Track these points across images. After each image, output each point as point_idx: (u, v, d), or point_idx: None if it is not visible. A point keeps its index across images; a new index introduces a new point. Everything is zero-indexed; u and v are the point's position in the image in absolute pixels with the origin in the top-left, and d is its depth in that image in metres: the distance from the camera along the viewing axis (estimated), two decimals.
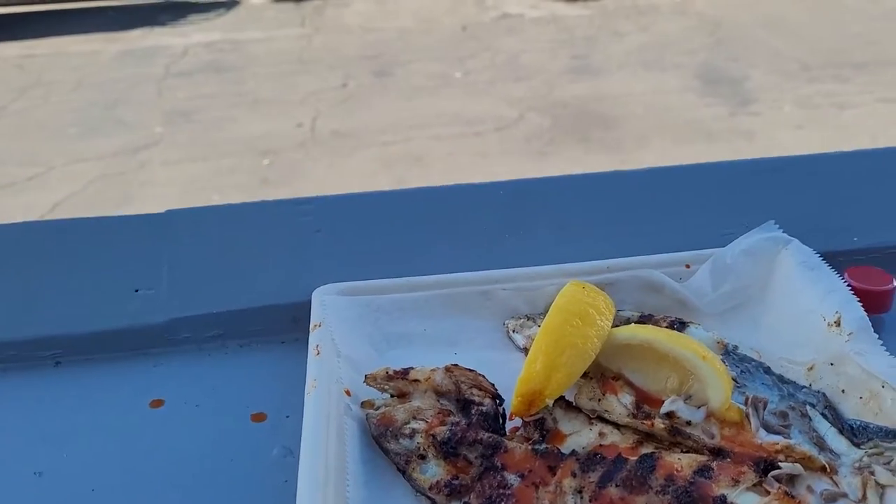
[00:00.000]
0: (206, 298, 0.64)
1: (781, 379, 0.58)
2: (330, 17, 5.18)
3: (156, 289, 0.65)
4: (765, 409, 0.54)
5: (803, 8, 5.38)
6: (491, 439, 0.51)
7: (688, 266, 0.66)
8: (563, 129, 3.71)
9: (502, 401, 0.56)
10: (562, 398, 0.55)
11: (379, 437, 0.53)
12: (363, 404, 0.55)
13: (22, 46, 4.70)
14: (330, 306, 0.62)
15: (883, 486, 0.50)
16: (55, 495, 0.52)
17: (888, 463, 0.50)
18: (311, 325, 0.60)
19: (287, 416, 0.57)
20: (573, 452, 0.50)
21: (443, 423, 0.52)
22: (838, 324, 0.57)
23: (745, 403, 0.54)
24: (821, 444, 0.53)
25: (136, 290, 0.65)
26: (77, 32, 4.83)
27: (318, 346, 0.57)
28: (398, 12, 5.29)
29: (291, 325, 0.63)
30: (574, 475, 0.48)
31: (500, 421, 0.55)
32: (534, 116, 3.91)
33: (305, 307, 0.63)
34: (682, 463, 0.49)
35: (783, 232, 0.65)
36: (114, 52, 4.56)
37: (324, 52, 4.61)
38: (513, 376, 0.55)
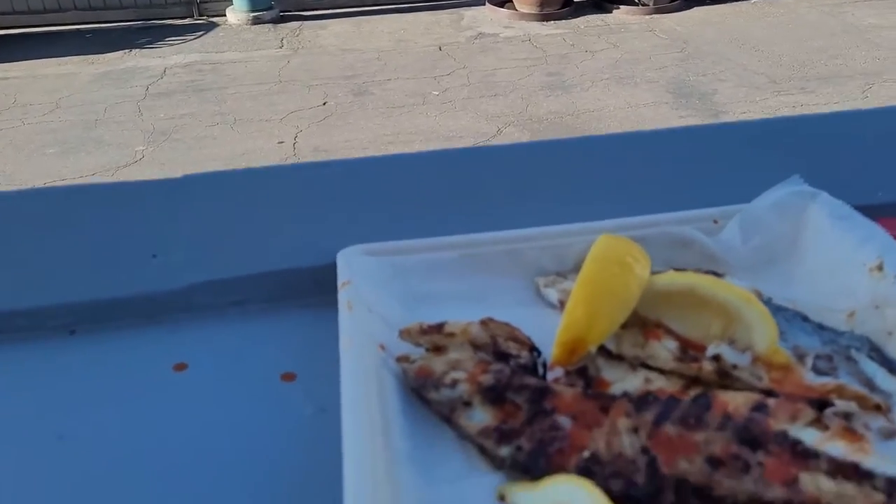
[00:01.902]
0: (226, 263, 0.62)
1: (821, 326, 0.57)
2: (307, 38, 5.19)
3: (173, 254, 0.63)
4: (813, 357, 0.53)
5: (767, 25, 5.52)
6: (537, 383, 0.49)
7: (716, 222, 0.65)
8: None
9: (540, 353, 0.54)
10: (603, 347, 0.54)
11: (419, 389, 0.51)
12: (398, 359, 0.53)
13: None
14: (356, 266, 0.60)
15: None
16: (79, 458, 0.49)
17: None
18: (340, 283, 0.58)
19: (317, 376, 0.55)
20: (625, 393, 0.49)
21: (485, 372, 0.50)
22: (881, 268, 0.56)
23: (791, 350, 0.53)
24: (870, 386, 0.52)
25: (154, 256, 0.62)
26: (53, 55, 4.78)
27: (349, 301, 0.55)
28: (375, 34, 5.33)
29: (314, 287, 0.61)
30: (628, 415, 0.46)
31: (540, 372, 0.53)
32: (511, 131, 3.93)
33: (327, 270, 0.60)
34: (737, 400, 0.47)
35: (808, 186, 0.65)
36: (91, 73, 4.52)
37: (302, 72, 4.62)
38: (546, 332, 0.54)
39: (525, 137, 3.83)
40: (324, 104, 4.15)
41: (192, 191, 0.69)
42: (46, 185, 3.15)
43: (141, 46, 4.96)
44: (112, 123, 3.82)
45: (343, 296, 0.56)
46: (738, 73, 4.57)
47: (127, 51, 4.86)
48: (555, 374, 0.54)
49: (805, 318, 0.58)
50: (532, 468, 0.45)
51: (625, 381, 0.52)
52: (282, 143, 3.63)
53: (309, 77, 4.50)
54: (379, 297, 0.58)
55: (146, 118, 3.90)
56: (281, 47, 5.02)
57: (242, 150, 3.53)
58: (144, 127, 3.79)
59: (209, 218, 0.67)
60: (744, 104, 4.16)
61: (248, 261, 0.62)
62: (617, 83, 4.53)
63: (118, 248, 0.63)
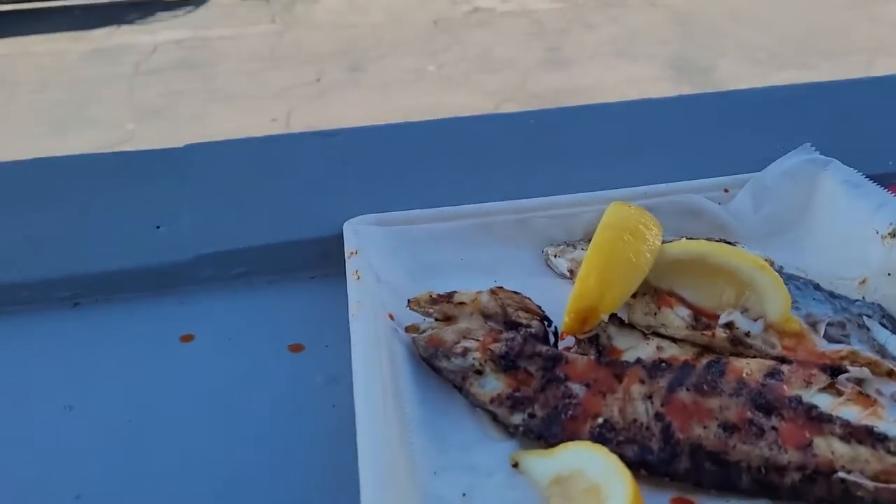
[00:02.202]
0: (231, 235, 0.61)
1: (832, 294, 0.56)
2: (300, 13, 5.13)
3: (178, 225, 0.62)
4: (826, 324, 0.53)
5: (768, 0, 5.47)
6: (550, 352, 0.49)
7: (726, 190, 0.64)
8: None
9: (551, 322, 0.54)
10: (614, 316, 0.53)
11: (430, 358, 0.50)
12: (408, 328, 0.53)
13: None
14: (364, 235, 0.59)
15: None
16: (89, 427, 0.48)
17: None
18: (347, 253, 0.57)
19: (326, 346, 0.54)
20: (638, 360, 0.48)
21: (497, 341, 0.50)
22: (893, 235, 0.56)
23: (803, 318, 0.53)
24: (882, 352, 0.51)
25: (158, 227, 0.61)
26: (41, 32, 4.71)
27: (357, 271, 0.55)
28: (369, 8, 5.26)
29: (321, 259, 0.61)
30: (642, 382, 0.46)
31: (551, 341, 0.53)
32: (509, 107, 3.90)
33: (334, 241, 0.60)
34: (751, 367, 0.47)
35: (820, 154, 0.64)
36: (81, 51, 4.46)
37: (295, 48, 4.56)
38: (555, 301, 0.53)
39: None
40: (317, 81, 4.11)
41: (196, 161, 0.68)
42: None
43: (131, 22, 4.89)
44: (102, 101, 3.78)
45: (351, 265, 0.56)
46: (740, 48, 4.53)
47: (116, 27, 4.80)
48: (566, 343, 0.53)
49: (817, 287, 0.57)
50: (545, 435, 0.45)
51: (637, 349, 0.52)
52: (275, 120, 3.60)
53: (302, 53, 4.45)
54: (387, 267, 0.57)
55: (137, 96, 3.85)
56: (273, 22, 4.96)
57: (235, 128, 3.49)
58: (135, 105, 3.75)
59: (214, 188, 0.66)
60: (745, 80, 4.13)
61: (254, 232, 0.62)
62: (617, 58, 4.49)
63: (122, 220, 0.62)
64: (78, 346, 0.55)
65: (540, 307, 0.55)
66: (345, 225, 0.60)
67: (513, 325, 0.53)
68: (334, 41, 4.66)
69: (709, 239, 0.61)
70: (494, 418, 0.47)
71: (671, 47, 4.67)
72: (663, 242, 0.60)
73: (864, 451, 0.42)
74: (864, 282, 0.57)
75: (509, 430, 0.46)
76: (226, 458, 0.46)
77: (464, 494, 0.42)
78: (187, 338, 0.55)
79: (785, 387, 0.46)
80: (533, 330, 0.53)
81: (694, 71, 4.29)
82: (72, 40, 4.63)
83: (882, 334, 0.53)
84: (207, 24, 4.89)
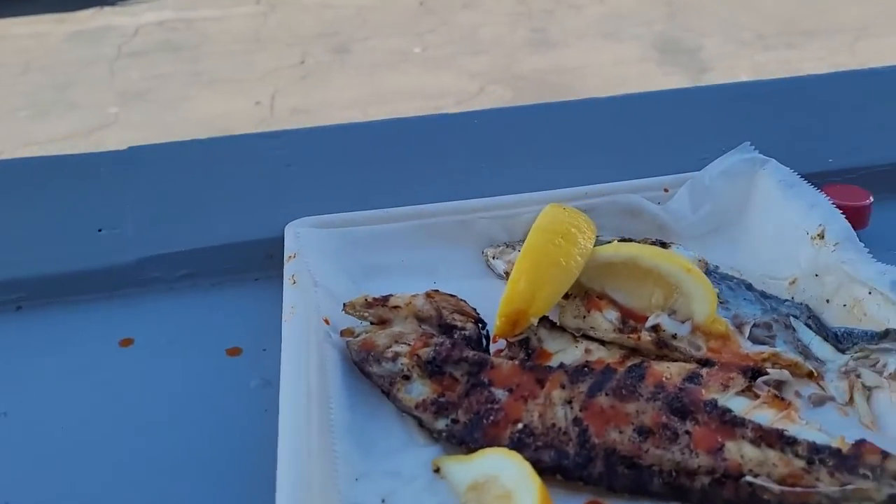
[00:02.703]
0: (175, 237, 0.62)
1: (763, 294, 0.58)
2: None
3: (121, 228, 0.62)
4: (751, 325, 0.54)
5: None
6: (476, 357, 0.50)
7: (666, 190, 0.65)
8: (524, 102, 3.69)
9: (485, 325, 0.54)
10: (545, 318, 0.54)
11: (361, 362, 0.51)
12: (343, 332, 0.53)
13: None
14: (305, 238, 0.60)
15: (870, 388, 0.50)
16: (21, 434, 0.49)
17: (874, 365, 0.50)
18: (286, 257, 0.58)
19: (264, 350, 0.55)
20: (561, 365, 0.49)
21: (426, 345, 0.51)
22: (822, 236, 0.57)
23: (730, 319, 0.54)
24: (806, 353, 0.53)
25: (100, 230, 0.62)
26: (22, 14, 4.66)
27: (293, 275, 0.55)
28: None
29: (265, 261, 0.61)
30: (563, 387, 0.47)
31: (484, 345, 0.54)
32: (494, 89, 3.88)
33: (279, 243, 0.60)
34: (670, 371, 0.48)
35: (759, 153, 0.65)
36: (63, 33, 4.42)
37: (280, 29, 4.53)
38: (493, 303, 0.54)
39: (508, 95, 3.79)
40: (302, 63, 4.08)
41: (140, 163, 0.69)
42: (19, 149, 3.10)
43: (113, 3, 4.84)
44: (84, 84, 3.75)
45: (289, 269, 0.56)
46: (726, 28, 4.52)
47: (99, 8, 4.74)
48: (498, 345, 0.54)
49: (749, 287, 0.58)
50: (467, 440, 0.46)
51: (566, 352, 0.53)
52: (259, 103, 3.58)
53: (287, 35, 4.42)
54: (326, 271, 0.58)
55: (119, 79, 3.82)
56: (258, 3, 4.91)
57: (219, 111, 3.47)
58: (118, 88, 3.72)
59: (158, 190, 0.66)
60: (730, 60, 4.12)
61: (199, 234, 0.62)
62: (602, 39, 4.47)
63: (64, 223, 0.63)
64: (19, 351, 0.56)
65: (475, 310, 0.55)
66: (286, 227, 0.60)
67: (448, 328, 0.54)
68: (319, 22, 4.62)
69: (645, 239, 0.62)
70: (420, 424, 0.48)
71: (657, 28, 4.65)
72: (603, 242, 0.61)
73: (772, 455, 0.43)
74: (794, 282, 0.58)
75: (434, 436, 0.47)
76: (156, 466, 0.47)
77: (383, 500, 0.43)
78: (127, 342, 0.56)
79: (702, 391, 0.47)
80: (467, 332, 0.54)
81: (680, 52, 4.28)
82: (54, 22, 4.58)
83: (807, 335, 0.54)
84: (191, 5, 4.84)
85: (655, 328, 0.52)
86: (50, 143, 3.13)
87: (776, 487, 0.42)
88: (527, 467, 0.42)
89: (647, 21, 4.70)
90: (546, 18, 4.78)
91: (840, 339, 0.53)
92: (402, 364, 0.50)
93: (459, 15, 4.79)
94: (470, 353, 0.50)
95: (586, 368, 0.48)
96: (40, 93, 3.65)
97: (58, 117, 3.40)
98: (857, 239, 0.56)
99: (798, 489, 0.42)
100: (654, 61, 4.19)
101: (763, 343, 0.53)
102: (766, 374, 0.50)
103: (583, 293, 0.55)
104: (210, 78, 3.84)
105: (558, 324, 0.55)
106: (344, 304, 0.54)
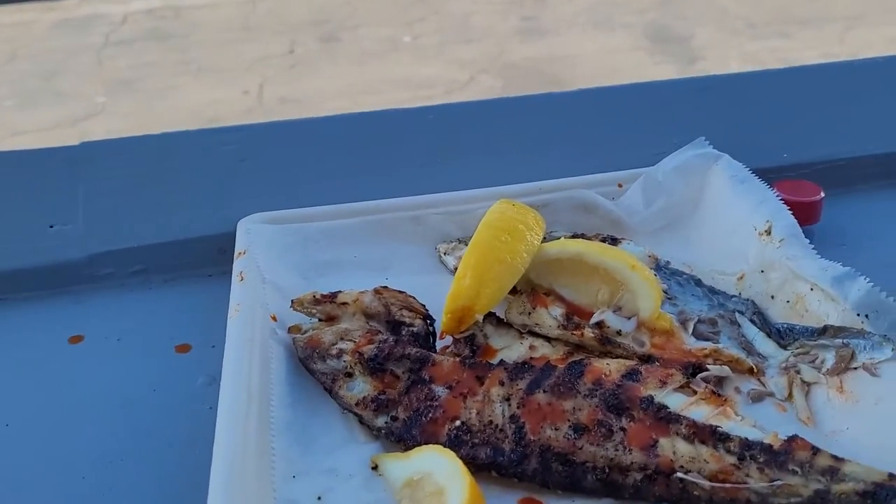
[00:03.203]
0: (127, 233, 0.62)
1: (712, 290, 0.58)
2: None
3: (72, 224, 0.62)
4: (695, 322, 0.54)
5: None
6: (418, 353, 0.50)
7: (620, 185, 0.65)
8: (514, 91, 3.67)
9: (433, 321, 0.55)
10: (492, 314, 0.55)
11: (305, 360, 0.51)
12: (290, 329, 0.54)
13: None
14: (256, 234, 0.60)
15: (808, 384, 0.50)
16: None
17: (813, 361, 0.51)
18: (236, 253, 0.58)
19: (213, 347, 0.55)
20: (501, 362, 0.50)
21: (370, 342, 0.51)
22: (769, 232, 0.57)
23: (676, 315, 0.54)
24: (749, 349, 0.53)
25: (51, 226, 0.62)
26: (8, 2, 4.63)
27: (241, 272, 0.56)
28: None
29: (218, 256, 0.62)
30: (502, 384, 0.47)
31: (431, 340, 0.54)
32: (485, 79, 3.87)
33: (231, 238, 0.61)
34: (610, 368, 0.48)
35: (713, 148, 0.65)
36: (49, 21, 4.39)
37: (269, 18, 4.50)
38: (444, 299, 0.54)
39: (498, 84, 3.78)
40: (291, 52, 4.06)
41: (92, 158, 0.69)
42: (6, 139, 3.09)
43: None
44: (71, 74, 3.73)
45: (237, 266, 0.57)
46: (718, 17, 4.50)
47: None
48: (446, 341, 0.55)
49: (698, 283, 0.59)
50: (406, 438, 0.46)
51: (511, 349, 0.53)
52: (247, 93, 3.57)
53: (276, 22, 4.40)
54: (276, 267, 0.58)
55: (107, 68, 3.80)
56: None
57: (207, 101, 3.46)
58: (105, 77, 3.70)
59: (110, 186, 0.66)
60: (721, 49, 4.11)
61: (151, 230, 0.62)
62: (594, 28, 4.45)
63: (15, 219, 0.63)
64: None
65: (424, 306, 0.56)
66: (238, 224, 0.61)
67: (396, 325, 0.54)
68: (309, 10, 4.60)
69: (597, 235, 0.62)
70: (361, 421, 0.48)
71: (649, 16, 4.63)
72: (556, 238, 0.61)
73: (704, 451, 0.44)
74: (742, 277, 0.58)
75: (374, 433, 0.48)
76: (100, 462, 0.47)
77: (319, 498, 0.43)
78: (76, 339, 0.56)
79: (640, 387, 0.47)
80: (415, 329, 0.54)
81: (671, 40, 4.27)
82: (41, 10, 4.55)
83: (751, 331, 0.54)
84: None
85: (599, 325, 0.53)
86: (36, 133, 3.12)
87: (706, 483, 0.43)
88: (459, 464, 0.42)
89: (638, 9, 4.69)
90: (537, 6, 4.75)
91: (782, 335, 0.53)
92: (345, 361, 0.50)
93: (450, 3, 4.76)
94: (412, 351, 0.50)
95: (526, 365, 0.49)
96: (26, 81, 3.63)
97: (44, 106, 3.38)
98: (803, 235, 0.56)
99: (728, 485, 0.42)
100: (646, 50, 4.18)
101: (707, 339, 0.53)
102: (707, 370, 0.50)
103: (530, 289, 0.56)
104: (198, 67, 3.82)
105: (505, 320, 0.55)
106: (292, 301, 0.55)
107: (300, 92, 3.61)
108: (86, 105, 3.39)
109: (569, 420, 0.45)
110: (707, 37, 4.34)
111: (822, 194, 0.63)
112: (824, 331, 0.51)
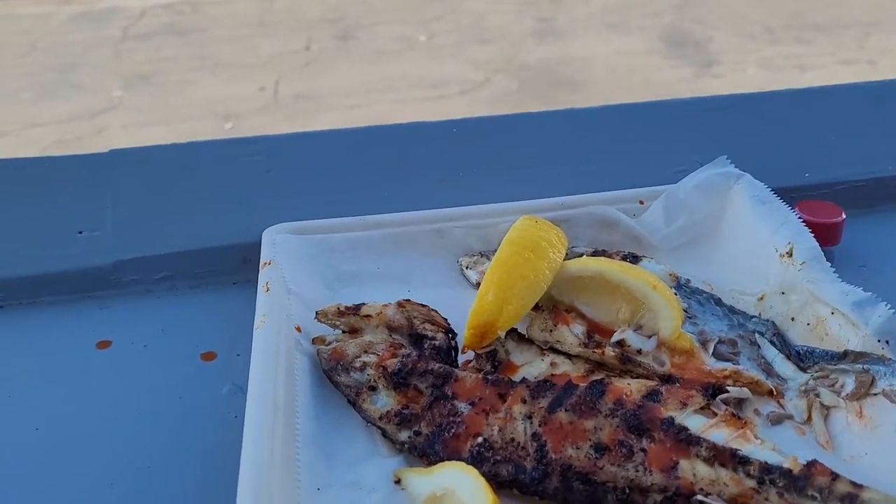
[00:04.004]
0: (154, 240, 0.63)
1: (732, 310, 0.58)
2: None
3: (100, 230, 0.63)
4: (716, 342, 0.55)
5: None
6: (441, 369, 0.50)
7: (641, 202, 0.66)
8: (529, 93, 3.68)
9: (455, 335, 0.55)
10: (514, 330, 0.55)
11: (329, 371, 0.52)
12: (314, 340, 0.54)
13: None
14: (281, 245, 0.61)
15: (827, 408, 0.50)
16: None
17: (833, 385, 0.51)
18: (261, 263, 0.59)
19: (238, 355, 0.56)
20: (523, 380, 0.50)
21: (394, 356, 0.52)
22: (790, 254, 0.57)
23: (696, 335, 0.55)
24: (768, 370, 0.53)
25: (80, 232, 0.63)
26: None
27: (267, 283, 0.56)
28: None
29: (242, 265, 0.62)
30: (524, 401, 0.48)
31: (453, 355, 0.55)
32: (500, 79, 3.87)
33: (256, 248, 0.61)
34: (631, 388, 0.49)
35: (735, 167, 0.65)
36: (68, 14, 4.42)
37: (285, 14, 4.52)
38: (466, 312, 0.55)
39: (513, 86, 3.78)
40: (307, 49, 4.08)
41: (121, 165, 0.70)
42: (24, 130, 3.11)
43: None
44: (89, 67, 3.75)
45: (263, 276, 0.57)
46: (735, 21, 4.48)
47: None
48: (468, 355, 0.55)
49: (718, 302, 0.59)
50: (428, 453, 0.47)
51: (532, 365, 0.54)
52: (263, 89, 3.58)
53: (292, 19, 4.41)
54: (301, 277, 0.59)
55: (124, 62, 3.83)
56: None
57: (222, 96, 3.48)
58: (122, 71, 3.72)
59: (138, 193, 0.67)
60: (737, 54, 4.10)
61: (177, 238, 0.63)
62: (609, 30, 4.44)
63: (45, 224, 0.64)
64: (0, 350, 0.57)
65: (446, 320, 0.56)
66: (263, 234, 0.61)
67: (418, 338, 0.55)
68: (325, 8, 4.61)
69: (618, 252, 0.62)
70: (384, 434, 0.49)
71: (665, 19, 4.62)
72: (577, 254, 0.62)
73: (724, 474, 0.44)
74: (762, 298, 0.59)
75: (397, 447, 0.48)
76: (126, 468, 0.48)
77: None
78: (104, 344, 0.57)
79: (661, 408, 0.48)
80: (437, 343, 0.55)
81: (687, 44, 4.25)
82: (59, 3, 4.58)
83: (770, 352, 0.54)
84: None
85: (620, 343, 0.53)
86: (53, 125, 3.14)
87: None
88: (482, 483, 0.43)
89: (654, 12, 4.67)
90: (553, 8, 4.75)
91: (802, 358, 0.53)
92: (369, 374, 0.51)
93: (466, 3, 4.76)
94: (435, 366, 0.51)
95: (548, 383, 0.49)
96: (44, 74, 3.66)
97: (62, 99, 3.41)
98: (824, 259, 0.56)
99: None
100: (661, 53, 4.16)
101: (727, 360, 0.54)
102: (727, 391, 0.51)
103: (552, 306, 0.56)
104: (215, 62, 3.84)
105: (527, 335, 0.56)
106: (316, 313, 0.55)
107: (315, 89, 3.63)
108: (103, 98, 3.42)
109: (590, 439, 0.46)
110: (723, 41, 4.32)
111: (844, 216, 0.63)
112: (844, 355, 0.51)
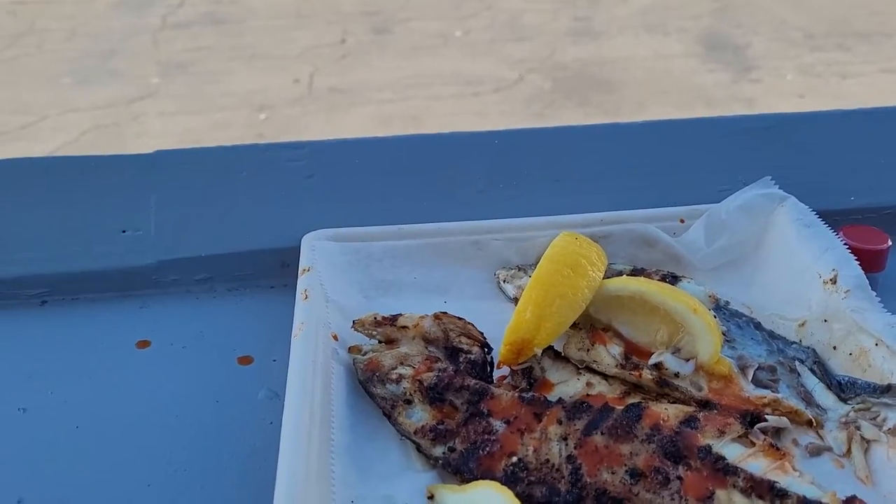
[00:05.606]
0: (195, 241, 0.64)
1: (772, 335, 0.58)
2: None
3: (143, 230, 0.64)
4: (755, 368, 0.54)
5: None
6: (477, 385, 0.50)
7: (682, 221, 0.65)
8: (563, 92, 3.66)
9: (490, 349, 0.55)
10: (550, 348, 0.55)
11: (365, 382, 0.52)
12: (350, 349, 0.55)
13: None
14: (320, 251, 0.61)
15: (868, 441, 0.50)
16: (38, 431, 0.51)
17: (874, 418, 0.50)
18: (300, 270, 0.59)
19: (274, 360, 0.57)
20: (559, 400, 0.50)
21: (430, 370, 0.52)
22: (834, 281, 0.56)
23: (735, 360, 0.54)
24: (808, 399, 0.53)
25: (124, 231, 0.64)
26: None
27: (306, 290, 0.57)
28: None
29: (281, 269, 0.63)
30: (559, 422, 0.48)
31: (488, 369, 0.55)
32: (534, 78, 3.85)
33: (295, 252, 0.62)
34: (668, 413, 0.48)
35: (779, 189, 0.64)
36: (108, 1, 4.48)
37: (322, 6, 4.53)
38: (502, 326, 0.55)
39: (548, 85, 3.76)
40: (342, 42, 4.09)
41: (165, 166, 0.70)
42: (63, 115, 3.16)
43: None
44: (128, 54, 3.80)
45: (301, 284, 0.58)
46: (775, 26, 4.41)
47: None
48: (503, 370, 0.55)
49: (758, 326, 0.58)
50: (462, 470, 0.47)
51: (568, 384, 0.54)
52: (297, 81, 3.60)
53: (329, 11, 4.43)
54: (338, 286, 0.59)
55: (162, 50, 3.87)
56: None
57: (257, 87, 3.51)
58: (160, 59, 3.77)
59: (181, 195, 0.68)
60: (777, 59, 4.03)
61: (218, 240, 0.64)
62: (647, 31, 4.40)
63: (89, 222, 0.65)
64: (42, 345, 0.58)
65: (482, 333, 0.56)
66: (303, 240, 0.62)
67: (454, 351, 0.55)
68: (362, 1, 4.62)
69: (658, 271, 0.62)
70: (418, 449, 0.49)
71: (704, 22, 4.56)
72: (616, 271, 0.62)
73: None
74: (803, 324, 0.58)
75: (430, 462, 0.49)
76: (163, 470, 0.49)
77: None
78: (143, 344, 0.58)
79: (699, 435, 0.47)
80: (472, 357, 0.55)
81: (726, 48, 4.20)
82: None
83: (810, 381, 0.54)
84: None
85: (658, 366, 0.53)
86: (91, 111, 3.19)
87: None
88: (516, 503, 0.43)
89: (693, 15, 4.61)
90: (590, 7, 4.71)
91: (843, 388, 0.53)
92: (404, 387, 0.51)
93: (503, 0, 4.74)
94: (471, 382, 0.51)
95: (584, 405, 0.49)
96: (84, 59, 3.72)
97: (100, 85, 3.45)
98: (870, 287, 0.55)
99: None
100: (699, 57, 4.11)
101: (766, 387, 0.53)
102: (765, 419, 0.50)
103: (589, 325, 0.56)
104: (251, 53, 3.87)
105: (563, 354, 0.55)
106: (354, 322, 0.56)
107: (349, 82, 3.64)
108: (140, 86, 3.46)
109: (625, 464, 0.46)
110: (763, 46, 4.26)
111: (889, 242, 0.62)
112: (888, 389, 0.50)
